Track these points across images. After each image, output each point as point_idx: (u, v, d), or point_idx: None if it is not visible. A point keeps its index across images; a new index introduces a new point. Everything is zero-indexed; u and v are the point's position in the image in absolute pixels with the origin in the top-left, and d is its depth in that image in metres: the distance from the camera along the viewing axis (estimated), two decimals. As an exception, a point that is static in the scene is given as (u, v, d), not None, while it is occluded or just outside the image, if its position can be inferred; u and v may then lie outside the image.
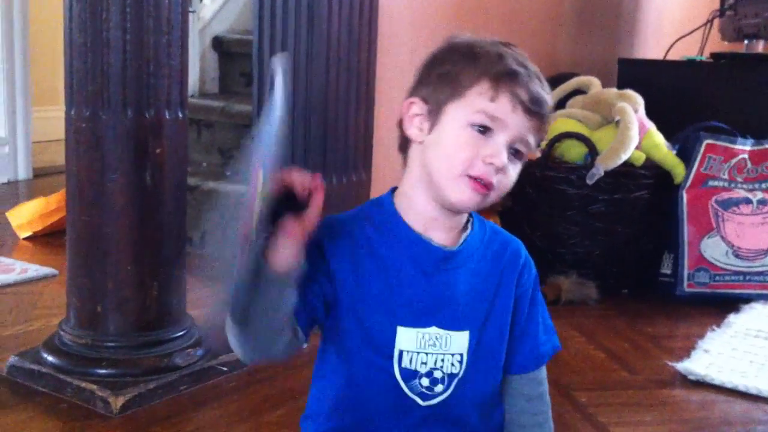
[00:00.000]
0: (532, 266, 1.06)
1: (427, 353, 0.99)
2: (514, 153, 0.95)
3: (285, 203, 0.87)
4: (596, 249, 2.38)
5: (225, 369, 1.71)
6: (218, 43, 3.21)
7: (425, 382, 1.00)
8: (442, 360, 0.99)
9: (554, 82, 2.79)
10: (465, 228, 1.01)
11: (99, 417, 1.51)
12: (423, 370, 0.99)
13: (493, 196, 0.96)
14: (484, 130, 0.94)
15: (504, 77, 0.93)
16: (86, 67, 1.59)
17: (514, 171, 0.96)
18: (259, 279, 0.86)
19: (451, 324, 0.99)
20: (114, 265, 1.61)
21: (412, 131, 0.99)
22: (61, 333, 1.66)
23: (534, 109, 0.93)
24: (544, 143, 2.47)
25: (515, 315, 1.04)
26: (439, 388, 1.00)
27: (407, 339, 0.98)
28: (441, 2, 2.51)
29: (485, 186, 0.94)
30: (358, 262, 0.96)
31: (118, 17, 1.56)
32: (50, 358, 1.63)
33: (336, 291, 0.96)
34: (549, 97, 0.96)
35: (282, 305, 0.90)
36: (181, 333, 1.67)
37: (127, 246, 1.61)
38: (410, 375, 0.99)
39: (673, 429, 1.58)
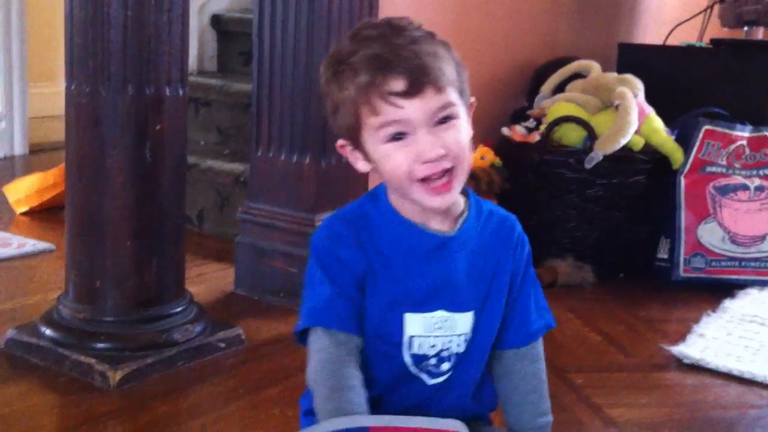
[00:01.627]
0: (526, 242, 1.08)
1: (435, 336, 1.00)
2: (443, 121, 0.94)
3: None
4: (593, 233, 2.39)
5: (223, 345, 1.71)
6: (217, 21, 3.20)
7: (433, 361, 1.01)
8: (450, 341, 1.01)
9: (554, 66, 2.79)
10: (462, 211, 1.02)
11: (97, 391, 1.51)
12: (432, 352, 1.00)
13: (460, 168, 0.95)
14: (400, 135, 0.94)
15: (368, 86, 0.92)
16: (87, 43, 1.59)
17: (453, 134, 0.94)
18: None
19: (455, 307, 1.01)
20: (113, 241, 1.61)
21: (359, 167, 1.00)
22: (60, 307, 1.66)
23: (414, 91, 0.91)
24: (543, 127, 2.47)
25: (509, 291, 1.05)
26: (445, 366, 1.02)
27: (416, 324, 0.99)
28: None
29: (445, 183, 0.94)
30: (366, 260, 0.98)
31: (121, 5, 1.55)
32: (48, 332, 1.63)
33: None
34: (425, 56, 0.91)
35: None
36: (179, 309, 1.68)
37: (126, 222, 1.61)
38: (420, 359, 1.01)
39: (667, 412, 1.59)
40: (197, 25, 3.14)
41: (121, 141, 1.60)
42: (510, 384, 1.09)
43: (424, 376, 1.02)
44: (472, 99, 1.01)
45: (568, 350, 1.86)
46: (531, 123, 2.57)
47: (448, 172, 0.95)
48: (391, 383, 0.98)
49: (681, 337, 1.95)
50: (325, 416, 0.92)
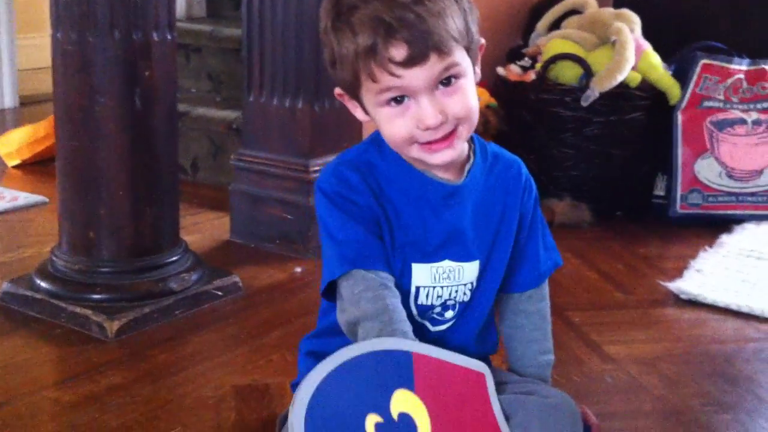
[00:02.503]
0: (533, 186, 1.07)
1: (442, 287, 0.99)
2: (446, 82, 0.91)
3: None
4: (591, 171, 2.37)
5: (220, 294, 1.71)
6: (205, -36, 3.13)
7: (438, 309, 1.01)
8: (456, 291, 1.00)
9: (549, 2, 2.74)
10: (467, 158, 1.00)
11: (95, 342, 1.51)
12: (438, 302, 1.00)
13: (464, 129, 0.93)
14: (399, 98, 0.91)
15: (367, 53, 0.88)
16: (77, -6, 1.55)
17: (458, 95, 0.91)
18: None
19: (462, 256, 1.00)
20: (106, 190, 1.59)
21: (357, 115, 0.98)
22: (54, 259, 1.65)
23: (416, 60, 0.87)
24: (539, 65, 2.43)
25: (517, 236, 1.04)
26: (449, 314, 1.02)
27: (422, 275, 0.99)
28: None
29: (444, 139, 0.92)
30: (379, 207, 0.96)
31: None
32: (44, 284, 1.62)
33: None
34: (430, 23, 0.87)
35: None
36: (175, 258, 1.67)
37: (118, 171, 1.59)
38: (426, 309, 1.01)
39: (665, 347, 1.59)
40: (184, -31, 3.07)
41: (110, 88, 1.58)
42: (515, 323, 1.09)
43: (428, 323, 1.02)
44: (482, 41, 0.98)
45: (567, 289, 1.86)
46: (526, 62, 2.54)
47: (450, 134, 0.92)
48: None
49: (678, 273, 1.95)
50: (374, 334, 0.90)
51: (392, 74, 0.88)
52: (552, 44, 2.45)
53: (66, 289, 1.60)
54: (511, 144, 2.35)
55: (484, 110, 2.33)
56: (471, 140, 1.02)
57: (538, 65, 2.44)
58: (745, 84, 2.38)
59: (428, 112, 0.90)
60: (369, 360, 0.84)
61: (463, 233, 0.99)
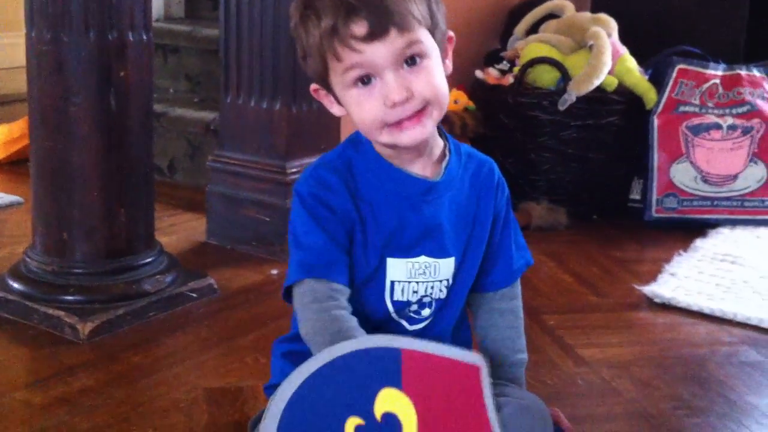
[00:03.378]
0: (505, 186, 1.08)
1: (417, 282, 1.00)
2: (410, 61, 0.93)
3: None
4: (568, 175, 2.38)
5: (194, 295, 1.70)
6: (183, -35, 3.12)
7: (414, 308, 1.02)
8: (432, 287, 1.01)
9: (527, 6, 2.75)
10: (443, 156, 1.01)
11: (67, 343, 1.50)
12: (414, 299, 1.00)
13: (434, 107, 0.94)
14: (367, 79, 0.93)
15: (329, 34, 0.91)
16: (50, -7, 1.54)
17: (424, 73, 0.93)
18: None
19: (438, 252, 1.01)
20: (80, 191, 1.58)
21: (334, 111, 1.00)
22: (27, 260, 1.64)
23: (376, 35, 0.90)
24: (517, 69, 2.44)
25: (490, 235, 1.05)
26: (426, 312, 1.02)
27: (398, 270, 0.99)
28: None
29: (413, 116, 0.93)
30: (355, 210, 0.97)
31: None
32: (16, 285, 1.61)
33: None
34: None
35: None
36: (149, 259, 1.66)
37: (92, 172, 1.58)
38: (402, 305, 1.01)
39: (639, 350, 1.60)
40: (163, -31, 3.06)
41: (85, 88, 1.57)
42: (489, 321, 1.09)
43: (404, 323, 1.02)
44: (450, 33, 0.99)
45: (542, 292, 1.87)
46: (505, 65, 2.55)
47: (418, 112, 0.93)
48: (370, 330, 0.97)
49: (653, 277, 1.96)
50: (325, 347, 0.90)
51: (354, 50, 0.90)
52: (530, 48, 2.46)
53: (39, 291, 1.59)
54: (489, 147, 2.37)
55: (462, 113, 2.34)
56: (446, 139, 1.03)
57: (516, 69, 2.45)
58: (720, 89, 2.40)
59: (392, 86, 0.91)
60: (353, 360, 0.84)
61: (440, 229, 1.00)
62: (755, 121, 2.37)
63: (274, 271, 1.88)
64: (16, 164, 2.67)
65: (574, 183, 2.39)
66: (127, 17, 1.59)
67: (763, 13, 2.88)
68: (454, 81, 2.49)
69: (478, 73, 2.52)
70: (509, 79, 2.44)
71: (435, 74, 0.94)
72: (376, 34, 0.90)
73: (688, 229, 2.31)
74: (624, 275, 2.01)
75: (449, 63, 0.99)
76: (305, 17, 0.93)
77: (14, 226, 2.13)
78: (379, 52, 0.91)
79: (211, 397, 1.34)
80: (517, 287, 1.12)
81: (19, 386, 1.36)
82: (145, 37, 1.63)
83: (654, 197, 2.35)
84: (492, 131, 2.39)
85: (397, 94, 0.92)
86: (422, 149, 0.99)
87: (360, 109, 0.94)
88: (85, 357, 1.46)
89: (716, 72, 2.42)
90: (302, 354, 0.99)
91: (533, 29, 2.65)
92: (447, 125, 2.25)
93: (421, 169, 1.00)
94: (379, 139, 0.96)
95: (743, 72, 2.42)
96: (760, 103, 2.39)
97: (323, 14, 0.91)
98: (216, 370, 1.43)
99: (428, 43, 0.94)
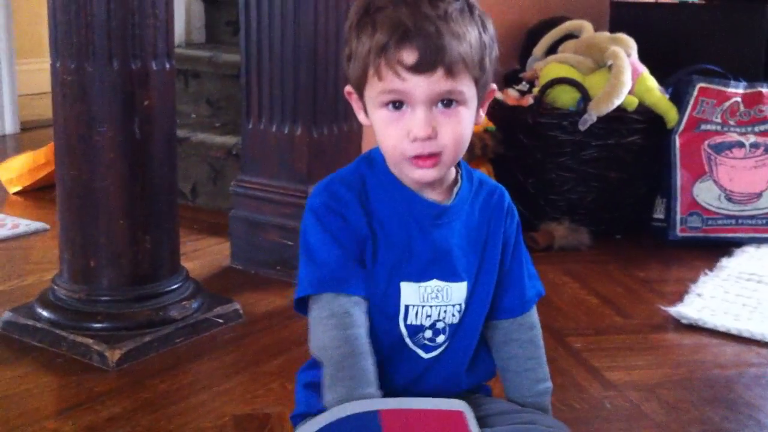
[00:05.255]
0: (515, 212, 1.08)
1: (431, 306, 1.00)
2: (446, 103, 0.92)
3: None
4: (589, 195, 2.38)
5: (221, 321, 1.71)
6: (203, -9, 3.16)
7: (428, 334, 1.01)
8: (444, 311, 1.01)
9: (545, 27, 2.76)
10: (455, 182, 1.02)
11: (95, 371, 1.51)
12: (427, 323, 1.00)
13: (447, 157, 0.94)
14: (399, 104, 0.92)
15: (380, 51, 0.90)
16: (70, 19, 1.56)
17: (453, 122, 0.92)
18: None
19: (449, 276, 1.00)
20: (105, 219, 1.60)
21: (360, 117, 1.00)
22: (55, 288, 1.65)
23: (424, 68, 0.89)
24: (536, 89, 2.45)
25: (502, 262, 1.05)
26: (440, 338, 1.02)
27: (411, 293, 0.99)
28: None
29: (429, 158, 0.93)
30: (368, 227, 0.97)
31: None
32: (45, 313, 1.62)
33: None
34: (447, 36, 0.89)
35: None
36: (175, 286, 1.67)
37: (117, 200, 1.60)
38: (415, 330, 1.01)
39: (665, 372, 1.59)
40: (183, -4, 3.10)
41: (109, 117, 1.59)
42: (508, 353, 1.09)
43: (420, 351, 1.02)
44: (493, 86, 1.00)
45: (566, 314, 1.86)
46: (524, 86, 2.55)
47: (433, 155, 0.93)
48: (385, 358, 0.97)
49: (678, 297, 1.95)
50: (338, 384, 0.91)
51: (397, 75, 0.90)
52: (549, 68, 2.47)
53: (67, 318, 1.60)
54: (509, 167, 2.38)
55: (482, 134, 2.34)
56: (458, 164, 1.03)
57: (536, 89, 2.45)
58: (742, 107, 2.39)
59: (420, 122, 0.91)
60: (336, 428, 0.85)
61: (451, 254, 1.00)
62: (778, 139, 2.36)
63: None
64: (41, 190, 2.70)
65: (595, 203, 2.38)
66: (150, 46, 1.61)
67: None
68: (473, 102, 2.51)
69: (498, 94, 2.52)
70: (529, 100, 2.45)
71: (464, 124, 0.94)
72: (422, 67, 0.90)
73: (712, 248, 2.29)
74: (649, 296, 2.00)
75: (483, 114, 0.99)
76: (362, 24, 0.93)
77: (41, 252, 2.15)
78: (420, 86, 0.91)
79: (238, 424, 1.34)
80: (534, 316, 1.11)
81: (48, 415, 1.37)
82: (167, 65, 1.65)
83: (678, 216, 2.34)
84: (512, 152, 2.39)
85: (422, 130, 0.91)
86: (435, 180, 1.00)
87: (384, 131, 0.95)
88: (113, 384, 1.47)
89: (737, 90, 2.41)
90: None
91: (552, 50, 2.65)
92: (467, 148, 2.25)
93: (432, 193, 1.00)
94: (394, 166, 0.97)
95: (764, 90, 2.41)
96: (782, 120, 2.38)
97: (379, 29, 0.91)
98: (242, 397, 1.44)
99: (469, 93, 0.93)
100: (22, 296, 1.80)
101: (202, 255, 2.14)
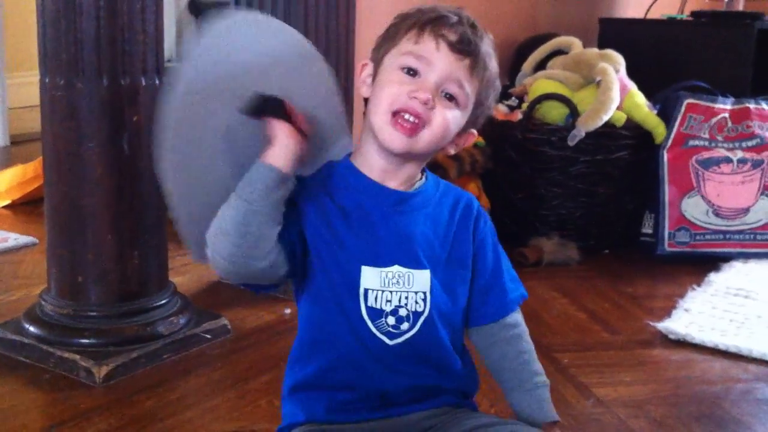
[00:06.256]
0: (486, 217, 1.11)
1: (391, 291, 1.02)
2: (449, 97, 0.99)
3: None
4: (578, 210, 2.39)
5: (209, 336, 1.71)
6: (195, 6, 3.16)
7: (391, 320, 1.02)
8: (406, 298, 1.02)
9: (535, 42, 2.78)
10: (418, 179, 1.06)
11: (83, 387, 1.51)
12: (388, 308, 1.01)
13: (425, 137, 0.99)
14: (414, 72, 0.99)
15: (430, 22, 0.99)
16: (59, 35, 1.56)
17: (448, 113, 0.99)
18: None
19: (411, 263, 1.02)
20: (93, 235, 1.59)
21: (363, 90, 1.06)
22: (43, 303, 1.65)
23: (459, 48, 0.98)
24: (525, 105, 2.46)
25: (478, 264, 1.08)
26: (404, 326, 1.02)
27: (371, 278, 1.01)
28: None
29: (411, 125, 0.98)
30: (323, 212, 1.01)
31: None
32: (32, 329, 1.62)
33: (306, 236, 1.00)
34: (484, 43, 1.01)
35: (274, 209, 0.95)
36: (163, 301, 1.67)
37: (106, 216, 1.60)
38: (376, 314, 1.01)
39: (653, 388, 1.60)
40: (174, 10, 3.10)
41: (98, 133, 1.58)
42: (497, 353, 1.09)
43: (384, 338, 1.02)
44: (474, 132, 1.06)
45: (555, 330, 1.86)
46: (513, 101, 2.57)
47: (418, 120, 0.98)
48: (351, 342, 0.99)
49: (666, 312, 1.96)
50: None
51: (435, 43, 0.98)
52: (538, 84, 2.48)
53: (54, 334, 1.60)
54: (498, 182, 2.38)
55: (472, 149, 2.35)
56: (423, 171, 1.07)
57: (525, 105, 2.46)
58: (729, 123, 2.41)
59: (429, 87, 0.97)
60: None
61: (413, 241, 1.02)
62: (765, 155, 2.38)
63: (287, 310, 1.88)
64: (30, 204, 2.70)
65: (584, 218, 2.39)
66: (140, 62, 1.61)
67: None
68: (463, 117, 2.52)
69: (488, 110, 2.53)
70: (518, 115, 2.46)
71: (452, 121, 1.00)
72: (458, 47, 0.98)
73: (700, 263, 2.30)
74: (637, 311, 2.00)
75: (475, 132, 1.06)
76: (409, 15, 1.02)
77: (29, 267, 2.15)
78: (446, 62, 0.98)
79: (225, 441, 1.34)
80: (518, 315, 1.12)
81: (35, 431, 1.36)
82: (157, 81, 1.65)
83: (666, 231, 2.35)
84: (501, 167, 2.40)
85: (423, 95, 0.97)
86: (402, 167, 1.02)
87: (389, 87, 0.99)
88: (100, 401, 1.46)
89: (725, 106, 2.43)
90: (309, 387, 1.02)
91: (541, 65, 2.67)
92: (456, 162, 2.26)
93: (396, 185, 1.03)
94: (379, 125, 1.00)
95: (752, 106, 2.43)
96: (768, 136, 2.40)
97: (432, 12, 1.00)
98: (229, 414, 1.43)
99: (470, 101, 1.00)
100: (9, 311, 1.79)
101: (191, 270, 2.14)
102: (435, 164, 2.28)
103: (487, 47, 1.01)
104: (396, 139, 0.98)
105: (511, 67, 2.86)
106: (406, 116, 0.97)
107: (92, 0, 1.54)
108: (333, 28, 2.25)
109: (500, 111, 2.51)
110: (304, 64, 1.09)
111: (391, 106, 0.98)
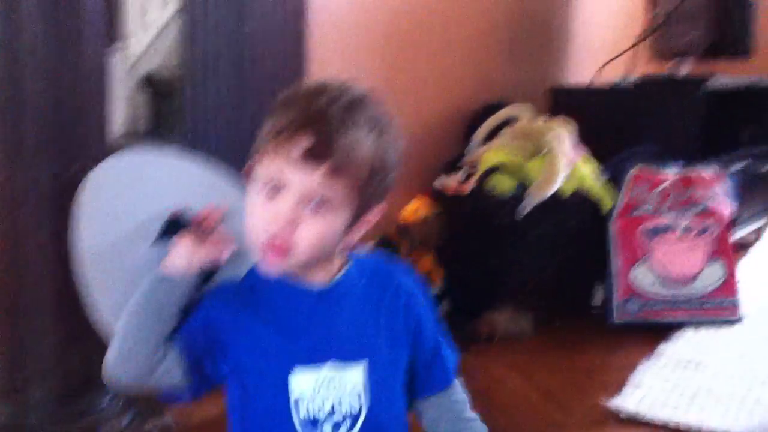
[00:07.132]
0: (420, 293, 1.08)
1: (323, 397, 0.98)
2: (317, 206, 0.94)
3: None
4: (530, 282, 2.40)
5: (153, 433, 1.67)
6: (149, 80, 3.16)
7: (327, 428, 0.99)
8: (340, 402, 0.99)
9: (485, 112, 2.81)
10: (341, 266, 1.03)
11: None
12: (322, 416, 0.99)
13: (300, 255, 0.96)
14: (276, 191, 0.95)
15: (283, 131, 0.93)
16: (2, 127, 1.54)
17: (318, 224, 0.95)
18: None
19: (345, 354, 1.00)
20: (33, 334, 1.56)
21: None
22: (-19, 406, 1.60)
23: (312, 156, 0.92)
24: (475, 177, 2.48)
25: (419, 343, 1.06)
26: (343, 431, 1.00)
27: (304, 382, 0.98)
28: (369, 42, 2.51)
29: (279, 250, 0.95)
30: (243, 320, 0.99)
31: (37, 77, 1.52)
32: (-31, 432, 1.58)
33: (224, 347, 0.99)
34: (350, 131, 0.93)
35: (165, 314, 0.97)
36: (105, 401, 1.63)
37: (46, 313, 1.57)
38: (311, 425, 0.98)
39: (605, 471, 1.59)
40: (128, 85, 3.09)
41: (41, 227, 1.56)
42: (436, 414, 1.09)
43: None
44: (383, 204, 1.01)
45: (506, 412, 1.85)
46: (466, 171, 2.58)
47: (285, 244, 0.95)
48: None
49: (618, 386, 1.96)
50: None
51: (286, 160, 0.93)
52: (488, 154, 2.51)
53: (-9, 437, 1.56)
54: (449, 255, 2.39)
55: (421, 224, 2.36)
56: (348, 257, 1.05)
57: (475, 176, 2.48)
58: (674, 190, 2.45)
59: (286, 209, 0.93)
60: None
61: (340, 335, 1.00)
62: (710, 221, 2.42)
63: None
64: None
65: (535, 289, 2.40)
66: (87, 149, 1.59)
67: (720, 108, 2.97)
68: (416, 189, 2.53)
69: (437, 183, 2.55)
70: (469, 186, 2.47)
71: (326, 229, 0.96)
72: (310, 157, 0.92)
73: (652, 332, 2.31)
74: (590, 387, 2.00)
75: (372, 219, 1.01)
76: (280, 104, 0.97)
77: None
78: (299, 176, 0.93)
79: None
80: (459, 386, 1.12)
81: None
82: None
83: (616, 301, 2.37)
84: (454, 240, 2.41)
85: (278, 225, 0.94)
86: (307, 269, 1.00)
87: (250, 216, 0.97)
88: None
89: (671, 173, 2.47)
90: None
91: (494, 135, 2.69)
92: (407, 238, 2.27)
93: (319, 278, 1.01)
94: (255, 253, 0.98)
95: (695, 174, 2.47)
96: (713, 203, 2.43)
97: (291, 113, 0.94)
98: None
99: (345, 199, 0.95)
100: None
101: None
102: (387, 241, 2.29)
103: (357, 131, 0.93)
104: (271, 266, 0.97)
105: (464, 137, 2.88)
106: (276, 241, 0.95)
107: (37, 94, 1.52)
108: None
109: (450, 183, 2.53)
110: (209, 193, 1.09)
111: (258, 239, 0.96)
